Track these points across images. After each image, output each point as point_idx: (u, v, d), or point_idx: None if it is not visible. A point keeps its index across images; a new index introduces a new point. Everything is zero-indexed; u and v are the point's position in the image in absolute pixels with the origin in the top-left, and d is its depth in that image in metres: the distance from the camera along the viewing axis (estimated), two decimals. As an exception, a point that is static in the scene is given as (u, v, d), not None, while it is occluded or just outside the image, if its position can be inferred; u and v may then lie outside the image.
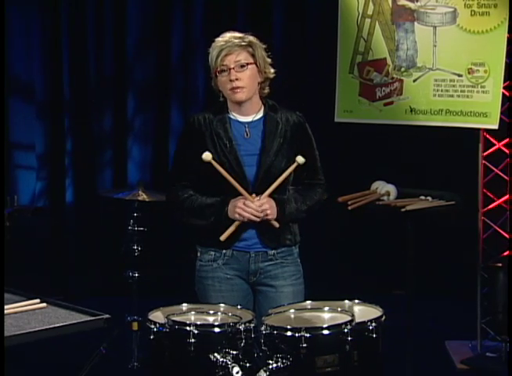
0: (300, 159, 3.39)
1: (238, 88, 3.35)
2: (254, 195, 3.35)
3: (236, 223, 3.35)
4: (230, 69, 3.34)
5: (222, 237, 3.36)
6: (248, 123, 3.44)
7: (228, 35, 3.38)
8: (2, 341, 2.54)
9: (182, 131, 3.63)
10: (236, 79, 3.34)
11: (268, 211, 3.34)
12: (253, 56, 3.38)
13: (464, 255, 5.72)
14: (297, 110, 3.54)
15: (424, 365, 4.79)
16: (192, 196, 3.42)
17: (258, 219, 3.33)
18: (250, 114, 3.45)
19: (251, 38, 3.40)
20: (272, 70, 3.45)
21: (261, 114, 3.46)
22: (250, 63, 3.37)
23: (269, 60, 3.45)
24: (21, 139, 6.39)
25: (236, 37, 3.37)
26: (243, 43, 3.36)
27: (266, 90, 3.48)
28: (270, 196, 3.37)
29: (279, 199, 3.39)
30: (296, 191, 3.49)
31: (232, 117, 3.44)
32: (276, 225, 3.39)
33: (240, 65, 3.35)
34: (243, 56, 3.36)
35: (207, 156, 3.34)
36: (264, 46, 3.43)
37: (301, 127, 3.50)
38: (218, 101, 3.49)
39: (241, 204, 3.32)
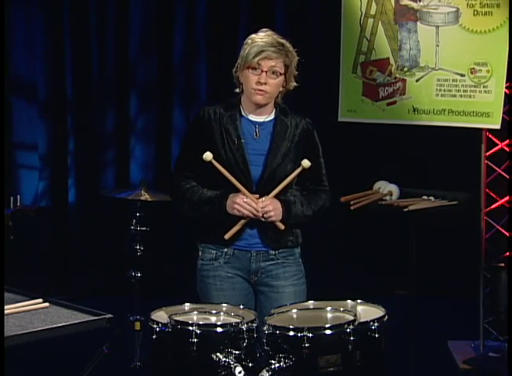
0: (306, 163, 3.39)
1: (263, 91, 3.35)
2: (257, 195, 3.35)
3: (242, 222, 3.35)
4: (263, 71, 3.33)
5: (227, 236, 3.36)
6: (259, 123, 3.44)
7: (270, 37, 3.35)
8: (2, 341, 2.54)
9: (191, 121, 3.61)
10: (265, 83, 3.34)
11: (272, 213, 3.33)
12: (286, 66, 3.37)
13: (467, 255, 5.71)
14: (300, 110, 3.54)
15: (427, 365, 4.79)
16: (194, 187, 3.43)
17: (258, 217, 3.32)
18: (263, 115, 3.45)
19: (291, 48, 3.37)
20: (294, 84, 3.44)
21: (272, 116, 3.47)
22: (282, 74, 3.36)
23: (296, 73, 3.43)
24: (24, 139, 6.39)
25: (279, 43, 3.34)
26: (283, 52, 3.34)
27: (279, 98, 3.48)
28: (276, 197, 3.37)
29: (286, 200, 3.39)
30: (301, 195, 3.49)
31: (243, 115, 3.44)
32: (282, 227, 3.38)
33: (273, 72, 3.34)
34: (279, 65, 3.35)
35: (207, 156, 3.34)
36: (297, 58, 3.41)
37: (309, 133, 3.50)
38: (230, 97, 3.48)
39: (240, 201, 3.31)
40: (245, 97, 3.44)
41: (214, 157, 3.35)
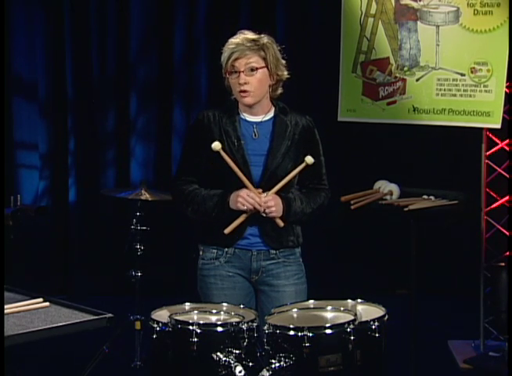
0: (309, 159, 3.38)
1: (246, 91, 3.35)
2: (260, 190, 3.35)
3: (242, 217, 3.34)
4: (240, 72, 3.34)
5: (227, 230, 3.34)
6: (257, 123, 3.44)
7: (241, 37, 3.37)
8: (2, 341, 2.54)
9: (190, 126, 3.62)
10: (245, 83, 3.34)
11: (273, 209, 3.33)
12: (264, 59, 3.36)
13: (467, 255, 5.72)
14: (300, 110, 3.54)
15: (427, 364, 4.79)
16: (196, 189, 3.43)
17: (260, 211, 3.31)
18: (260, 115, 3.45)
19: (265, 41, 3.38)
20: (286, 72, 3.44)
21: (270, 115, 3.46)
22: (261, 67, 3.36)
23: (283, 62, 3.43)
24: (24, 139, 6.40)
25: (248, 40, 3.35)
26: (255, 47, 3.34)
27: (279, 91, 3.47)
28: (277, 194, 3.37)
29: (286, 197, 3.39)
30: (301, 193, 3.49)
31: (241, 116, 3.44)
32: (281, 224, 3.38)
33: (250, 68, 3.34)
34: (254, 60, 3.35)
35: (216, 145, 3.34)
36: (279, 47, 3.42)
37: (310, 131, 3.50)
38: (228, 99, 3.48)
39: (244, 194, 3.31)
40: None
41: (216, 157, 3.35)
